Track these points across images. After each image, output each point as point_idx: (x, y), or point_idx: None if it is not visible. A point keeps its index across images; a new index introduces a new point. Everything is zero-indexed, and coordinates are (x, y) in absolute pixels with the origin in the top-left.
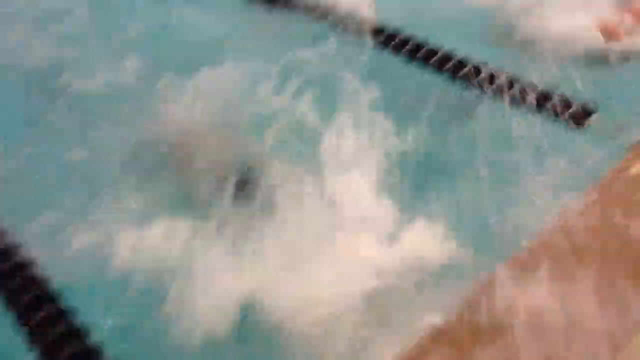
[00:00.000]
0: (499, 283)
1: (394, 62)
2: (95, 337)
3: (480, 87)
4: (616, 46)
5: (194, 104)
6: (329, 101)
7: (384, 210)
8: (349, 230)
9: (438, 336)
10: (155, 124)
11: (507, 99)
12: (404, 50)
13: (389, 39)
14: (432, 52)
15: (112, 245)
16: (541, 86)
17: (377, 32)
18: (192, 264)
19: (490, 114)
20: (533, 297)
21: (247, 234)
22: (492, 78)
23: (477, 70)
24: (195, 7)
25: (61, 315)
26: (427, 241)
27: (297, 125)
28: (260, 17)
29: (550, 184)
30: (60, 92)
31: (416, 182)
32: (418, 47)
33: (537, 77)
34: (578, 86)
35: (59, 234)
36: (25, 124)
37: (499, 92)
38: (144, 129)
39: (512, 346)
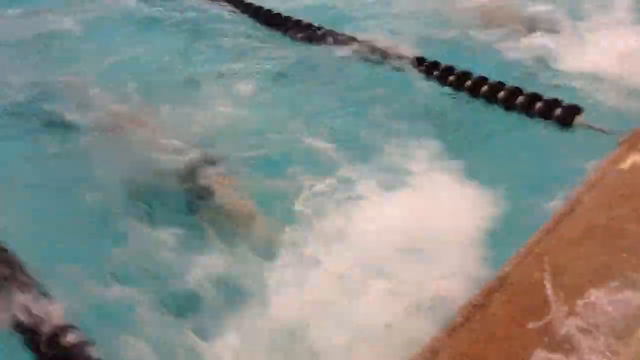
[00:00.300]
0: None
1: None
2: None
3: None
4: None
5: (195, 132)
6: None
7: None
8: None
9: None
10: (158, 154)
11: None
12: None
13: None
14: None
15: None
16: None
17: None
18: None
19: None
20: None
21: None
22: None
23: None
24: (206, 36)
25: None
26: None
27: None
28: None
29: (544, 179)
30: (53, 124)
31: None
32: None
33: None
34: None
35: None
36: (20, 164)
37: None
38: (146, 161)
39: None
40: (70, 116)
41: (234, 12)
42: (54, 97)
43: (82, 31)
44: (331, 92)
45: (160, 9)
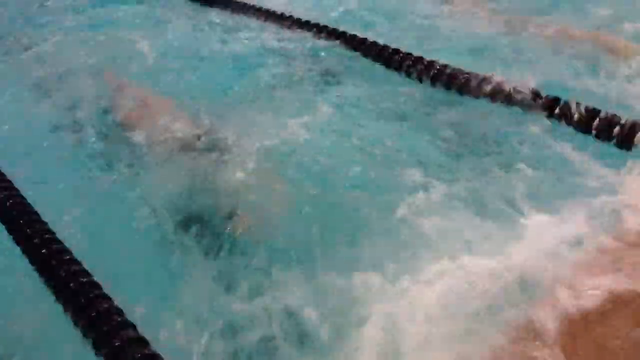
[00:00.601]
0: None
1: None
2: None
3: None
4: None
5: (265, 157)
6: None
7: None
8: None
9: None
10: (225, 178)
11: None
12: None
13: None
14: None
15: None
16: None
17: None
18: None
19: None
20: None
21: None
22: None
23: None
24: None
25: None
26: None
27: None
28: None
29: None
30: (123, 143)
31: None
32: None
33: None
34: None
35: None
36: (86, 183)
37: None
38: (211, 185)
39: None
40: (141, 137)
41: (326, 41)
42: (125, 116)
43: (157, 54)
44: (428, 127)
45: (250, 40)
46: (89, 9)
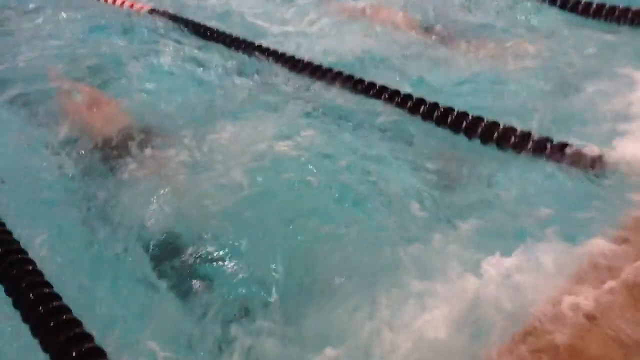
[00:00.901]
0: None
1: None
2: None
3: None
4: None
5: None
6: None
7: None
8: None
9: None
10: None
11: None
12: None
13: None
14: None
15: None
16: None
17: None
18: None
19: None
20: None
21: None
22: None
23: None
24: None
25: None
26: None
27: None
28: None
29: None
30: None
31: None
32: None
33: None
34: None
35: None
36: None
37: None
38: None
39: None
40: (117, 158)
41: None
42: (102, 137)
43: (140, 77)
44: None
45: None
46: (74, 31)
